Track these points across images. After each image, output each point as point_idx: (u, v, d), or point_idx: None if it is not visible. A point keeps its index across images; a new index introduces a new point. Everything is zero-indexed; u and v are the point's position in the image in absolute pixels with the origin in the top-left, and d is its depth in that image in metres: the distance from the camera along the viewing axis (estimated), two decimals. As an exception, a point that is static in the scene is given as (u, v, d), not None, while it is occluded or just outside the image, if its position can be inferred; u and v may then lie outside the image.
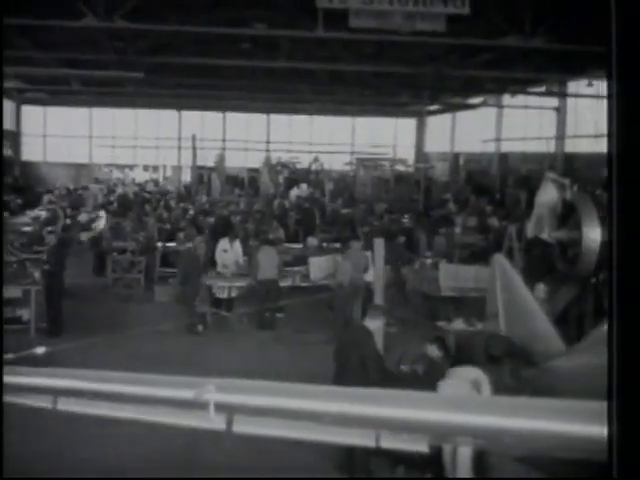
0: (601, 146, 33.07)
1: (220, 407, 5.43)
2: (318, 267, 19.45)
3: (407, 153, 52.77)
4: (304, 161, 48.06)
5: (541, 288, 11.58)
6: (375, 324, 10.65)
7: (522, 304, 11.33)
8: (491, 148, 42.62)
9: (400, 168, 46.83)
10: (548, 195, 16.19)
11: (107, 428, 9.70)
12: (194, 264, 18.42)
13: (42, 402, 5.98)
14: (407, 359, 10.71)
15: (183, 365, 13.75)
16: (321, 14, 19.08)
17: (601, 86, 31.65)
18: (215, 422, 5.47)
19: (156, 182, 48.02)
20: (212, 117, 52.35)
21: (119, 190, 41.70)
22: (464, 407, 5.99)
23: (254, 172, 46.82)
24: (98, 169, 50.99)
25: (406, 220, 29.83)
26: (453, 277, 18.41)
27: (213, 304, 19.00)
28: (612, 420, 4.31)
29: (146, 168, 52.05)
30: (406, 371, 10.53)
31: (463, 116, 47.48)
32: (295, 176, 45.01)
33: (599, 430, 5.40)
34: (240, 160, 50.46)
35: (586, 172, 29.97)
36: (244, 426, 5.71)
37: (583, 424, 5.45)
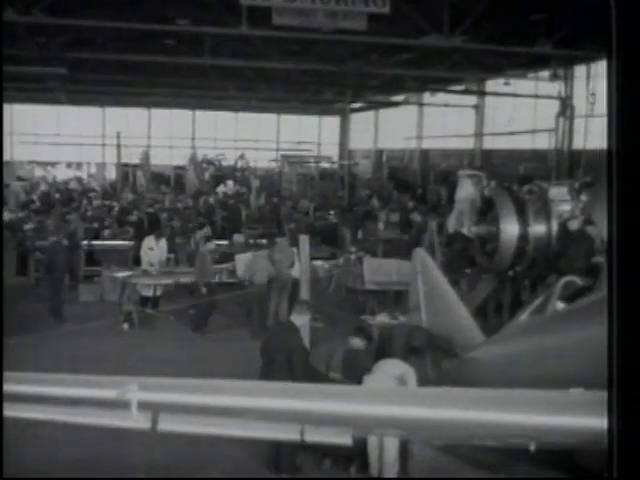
0: (518, 143, 34.13)
1: (144, 406, 5.45)
2: (244, 264, 19.57)
3: (331, 150, 53.31)
4: (230, 158, 47.99)
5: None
6: (301, 319, 10.74)
7: (442, 297, 11.67)
8: (413, 145, 43.49)
9: (325, 165, 47.16)
10: (465, 191, 16.66)
11: (30, 429, 9.48)
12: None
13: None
14: (336, 364, 10.85)
15: (107, 364, 13.68)
16: (245, 11, 19.20)
17: (518, 85, 32.62)
18: (139, 421, 5.48)
19: (80, 179, 47.32)
20: (137, 114, 51.83)
21: (42, 187, 40.99)
22: (387, 399, 6.22)
23: (180, 169, 46.57)
24: (20, 166, 49.93)
25: (331, 216, 30.14)
26: (377, 271, 18.73)
27: (139, 302, 18.94)
28: (612, 419, 4.41)
29: (69, 165, 51.24)
30: (337, 378, 10.67)
31: (386, 114, 48.24)
32: (221, 173, 44.88)
33: (523, 418, 5.71)
34: (166, 157, 50.12)
35: (504, 168, 30.79)
36: (169, 424, 5.73)
37: (506, 412, 5.74)
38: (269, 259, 18.05)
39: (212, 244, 19.56)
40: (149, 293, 19.07)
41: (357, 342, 10.79)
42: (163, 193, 39.34)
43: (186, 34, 25.02)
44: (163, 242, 20.23)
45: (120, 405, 5.37)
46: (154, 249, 19.76)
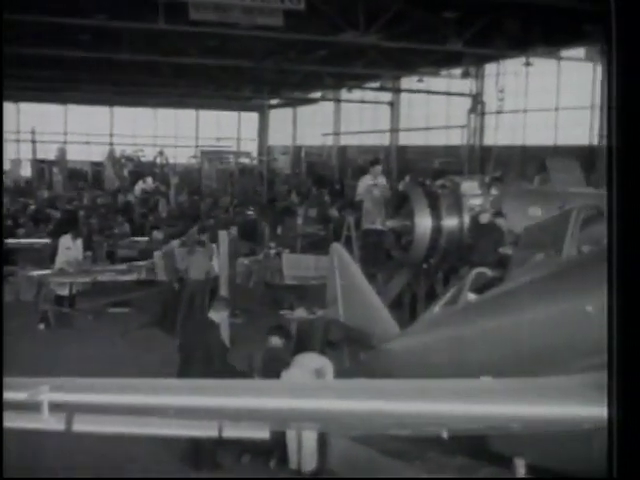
0: (433, 139, 34.88)
1: (57, 407, 5.38)
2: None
3: (251, 146, 53.34)
4: (149, 154, 47.53)
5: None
6: (220, 316, 10.75)
7: (359, 291, 11.89)
8: (330, 141, 43.90)
9: (244, 161, 47.16)
10: (363, 187, 16.98)
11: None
12: None
13: None
14: (257, 362, 10.92)
15: (20, 366, 13.41)
16: (162, 6, 19.11)
17: (431, 82, 33.29)
18: (51, 423, 5.41)
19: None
20: (53, 110, 50.86)
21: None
22: (305, 392, 6.35)
23: (98, 166, 45.91)
24: None
25: (251, 212, 30.18)
26: (295, 267, 18.88)
27: (55, 301, 18.63)
28: (612, 421, 4.46)
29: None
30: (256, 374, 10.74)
31: (304, 110, 48.57)
32: (140, 169, 44.41)
33: (437, 406, 5.92)
34: (83, 153, 49.33)
35: (418, 163, 31.40)
36: (85, 425, 5.69)
37: (420, 402, 5.94)
38: (205, 255, 17.85)
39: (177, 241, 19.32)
40: (65, 292, 18.77)
41: (276, 340, 10.89)
42: (80, 189, 38.73)
43: (103, 29, 24.70)
44: (79, 241, 19.93)
45: (32, 407, 5.28)
46: (71, 248, 19.46)
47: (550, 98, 30.20)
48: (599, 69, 27.91)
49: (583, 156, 24.05)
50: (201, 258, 17.56)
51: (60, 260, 19.24)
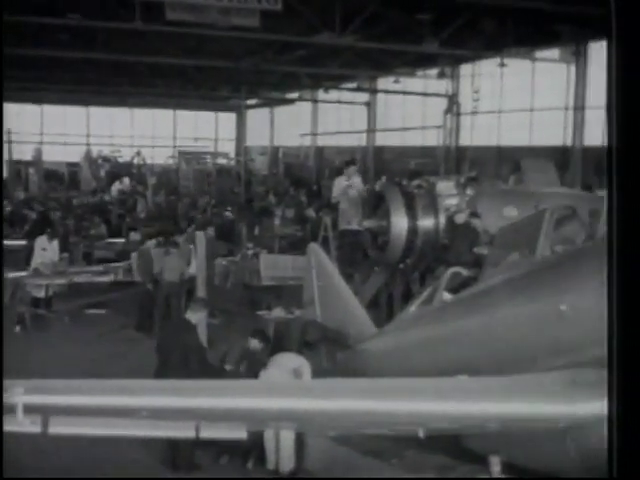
0: (409, 139, 35.03)
1: (32, 409, 5.35)
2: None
3: (228, 147, 53.26)
4: (126, 155, 47.31)
5: None
6: (197, 317, 10.75)
7: (336, 291, 11.96)
8: (308, 142, 43.99)
9: (222, 161, 47.09)
10: (338, 188, 17.07)
11: None
12: None
13: None
14: (231, 358, 10.95)
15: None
16: (139, 6, 19.08)
17: (408, 83, 33.44)
18: (26, 425, 5.36)
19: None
20: (29, 110, 50.49)
21: None
22: (283, 392, 6.39)
23: (74, 166, 45.64)
24: None
25: (228, 213, 30.14)
26: (273, 267, 18.89)
27: (31, 303, 18.52)
28: (612, 421, 4.48)
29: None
30: (230, 369, 10.76)
31: (281, 111, 48.61)
32: (117, 170, 44.19)
33: (413, 405, 5.97)
34: (59, 154, 48.99)
35: (394, 164, 31.54)
36: (61, 427, 5.68)
37: (396, 401, 5.99)
38: (181, 257, 17.78)
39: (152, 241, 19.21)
40: (41, 294, 18.67)
41: (255, 344, 10.93)
42: (57, 190, 38.52)
43: (79, 28, 24.57)
44: (55, 243, 19.82)
45: (7, 409, 5.23)
46: (47, 249, 19.36)
47: (525, 99, 30.46)
48: (573, 70, 28.20)
49: (557, 156, 24.28)
50: (175, 259, 17.51)
51: (36, 261, 19.14)
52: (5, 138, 40.49)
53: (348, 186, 16.74)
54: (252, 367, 10.38)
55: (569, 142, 28.55)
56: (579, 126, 28.23)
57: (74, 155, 47.41)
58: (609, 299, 4.45)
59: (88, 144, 49.94)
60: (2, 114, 34.43)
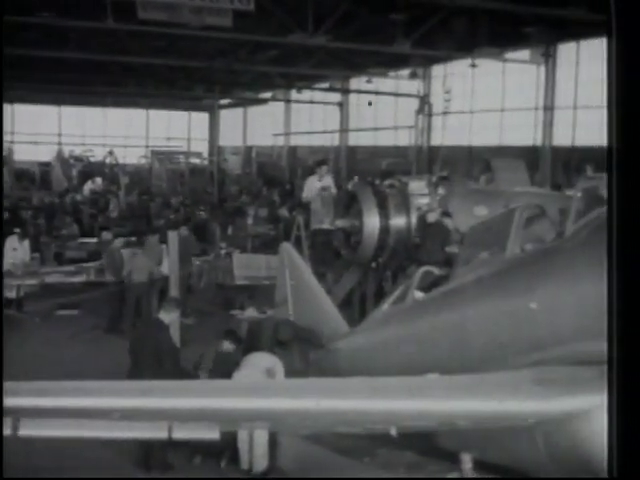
0: (381, 139, 35.18)
1: (1, 412, 5.26)
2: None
3: (201, 146, 53.16)
4: (98, 154, 47.06)
5: None
6: (170, 317, 10.69)
7: (309, 290, 12.00)
8: (281, 141, 44.00)
9: (195, 161, 46.99)
10: (309, 189, 17.11)
11: None
12: None
13: None
14: (205, 366, 10.92)
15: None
16: (111, 5, 18.99)
17: (380, 83, 33.57)
18: None
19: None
20: (-2, 109, 50.08)
21: None
22: (255, 392, 6.40)
23: (46, 166, 45.29)
24: None
25: (201, 212, 30.07)
26: (246, 266, 18.90)
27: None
28: (612, 421, 4.46)
29: None
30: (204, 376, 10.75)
31: (254, 110, 48.61)
32: (89, 170, 43.93)
33: (385, 404, 6.01)
34: (31, 154, 48.63)
35: (367, 163, 31.63)
36: (32, 430, 5.60)
37: (368, 399, 6.03)
38: (147, 257, 17.70)
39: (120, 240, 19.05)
40: (12, 294, 18.53)
41: (227, 345, 10.94)
42: (26, 189, 38.18)
43: (51, 27, 24.40)
44: (26, 243, 19.68)
45: None
46: (18, 249, 19.22)
47: (495, 99, 30.73)
48: (542, 71, 28.48)
49: (527, 156, 24.47)
50: (143, 259, 17.44)
51: (7, 262, 18.99)
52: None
53: (323, 188, 16.76)
54: (225, 368, 10.37)
55: (539, 142, 28.83)
56: (548, 126, 28.53)
57: (46, 154, 47.09)
58: (609, 299, 4.45)
59: (60, 143, 49.65)
60: (2, 114, 34.09)
